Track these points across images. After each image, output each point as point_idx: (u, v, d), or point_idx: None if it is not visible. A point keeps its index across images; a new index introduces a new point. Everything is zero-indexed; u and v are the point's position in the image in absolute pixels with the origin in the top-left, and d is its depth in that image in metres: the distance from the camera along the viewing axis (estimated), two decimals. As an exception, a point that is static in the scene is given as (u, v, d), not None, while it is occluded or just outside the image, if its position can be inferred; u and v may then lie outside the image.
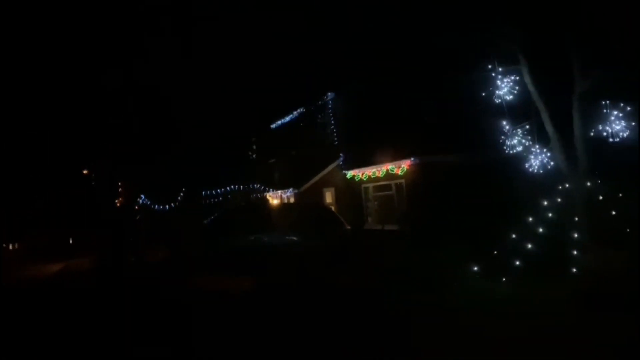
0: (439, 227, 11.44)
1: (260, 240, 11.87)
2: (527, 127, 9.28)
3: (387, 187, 15.84)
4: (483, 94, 9.33)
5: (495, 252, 8.46)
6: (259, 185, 17.99)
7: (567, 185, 8.49)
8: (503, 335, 5.54)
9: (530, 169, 9.11)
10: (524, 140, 9.31)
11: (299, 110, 19.13)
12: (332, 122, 17.88)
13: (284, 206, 15.86)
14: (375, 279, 9.11)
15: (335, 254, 10.77)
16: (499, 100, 9.20)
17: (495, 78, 9.18)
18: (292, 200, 17.61)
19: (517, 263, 8.04)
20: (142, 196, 17.35)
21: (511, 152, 9.44)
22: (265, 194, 18.64)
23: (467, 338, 5.59)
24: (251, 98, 21.54)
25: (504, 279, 8.00)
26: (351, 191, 17.21)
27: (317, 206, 14.98)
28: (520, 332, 5.59)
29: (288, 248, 11.24)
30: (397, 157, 14.90)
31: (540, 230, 8.21)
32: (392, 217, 14.93)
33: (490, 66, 9.17)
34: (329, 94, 17.82)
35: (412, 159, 14.27)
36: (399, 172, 14.86)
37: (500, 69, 9.09)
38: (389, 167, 15.22)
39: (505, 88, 9.10)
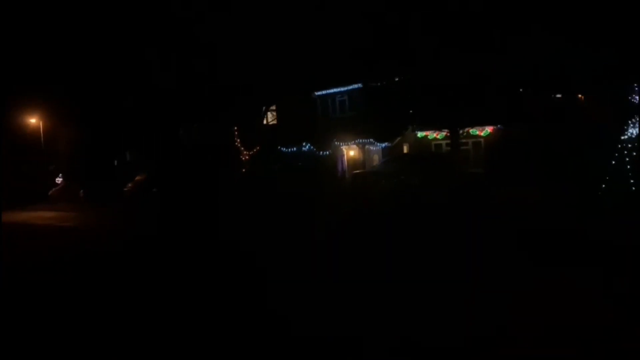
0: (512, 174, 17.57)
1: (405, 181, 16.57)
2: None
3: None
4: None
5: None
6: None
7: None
8: None
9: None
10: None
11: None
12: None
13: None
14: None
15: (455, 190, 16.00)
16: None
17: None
18: (379, 151, 22.17)
19: None
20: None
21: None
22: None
23: None
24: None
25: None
26: (420, 146, 22.45)
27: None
28: None
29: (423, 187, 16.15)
30: (479, 122, 20.60)
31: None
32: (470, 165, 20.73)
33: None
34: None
35: (498, 125, 20.17)
36: (482, 134, 20.68)
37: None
38: (470, 130, 20.89)
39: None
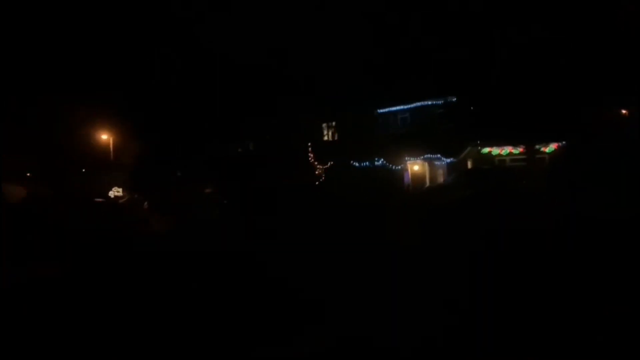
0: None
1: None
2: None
3: (522, 160, 22.56)
4: None
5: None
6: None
7: None
8: None
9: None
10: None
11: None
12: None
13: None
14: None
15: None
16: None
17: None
18: (444, 166, 23.26)
19: None
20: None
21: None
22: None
23: None
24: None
25: None
26: (483, 162, 23.50)
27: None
28: None
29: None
30: (542, 139, 21.63)
31: None
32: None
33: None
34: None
35: (563, 142, 21.17)
36: (546, 150, 21.68)
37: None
38: (535, 147, 21.92)
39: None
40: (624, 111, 21.28)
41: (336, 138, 27.46)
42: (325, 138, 28.45)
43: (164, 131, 32.53)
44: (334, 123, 28.12)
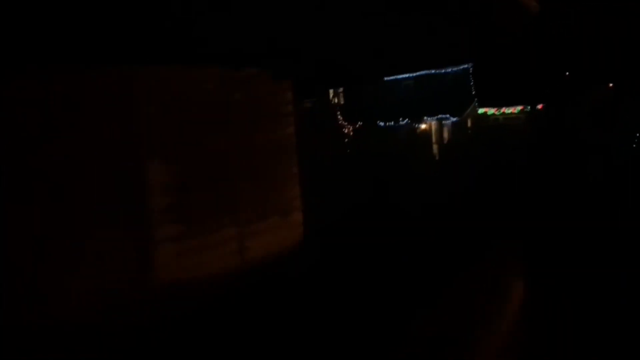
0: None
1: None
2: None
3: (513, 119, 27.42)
4: None
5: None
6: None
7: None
8: None
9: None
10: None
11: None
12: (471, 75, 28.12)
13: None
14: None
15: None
16: None
17: None
18: (449, 125, 27.58)
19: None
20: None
21: None
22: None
23: None
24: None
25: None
26: (480, 121, 28.12)
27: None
28: None
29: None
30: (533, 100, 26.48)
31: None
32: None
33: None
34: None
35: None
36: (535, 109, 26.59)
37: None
38: (524, 108, 26.75)
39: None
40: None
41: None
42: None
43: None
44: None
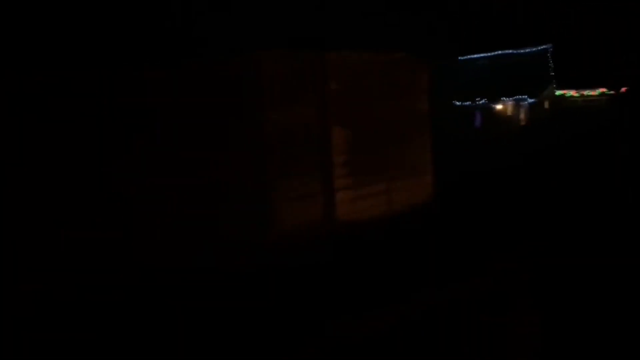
0: None
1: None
2: None
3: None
4: None
5: None
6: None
7: None
8: None
9: None
10: None
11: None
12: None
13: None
14: None
15: None
16: None
17: None
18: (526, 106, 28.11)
19: None
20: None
21: None
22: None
23: None
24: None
25: None
26: (557, 103, 28.46)
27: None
28: None
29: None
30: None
31: None
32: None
33: None
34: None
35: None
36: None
37: None
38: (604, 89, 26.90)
39: None
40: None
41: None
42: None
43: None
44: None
